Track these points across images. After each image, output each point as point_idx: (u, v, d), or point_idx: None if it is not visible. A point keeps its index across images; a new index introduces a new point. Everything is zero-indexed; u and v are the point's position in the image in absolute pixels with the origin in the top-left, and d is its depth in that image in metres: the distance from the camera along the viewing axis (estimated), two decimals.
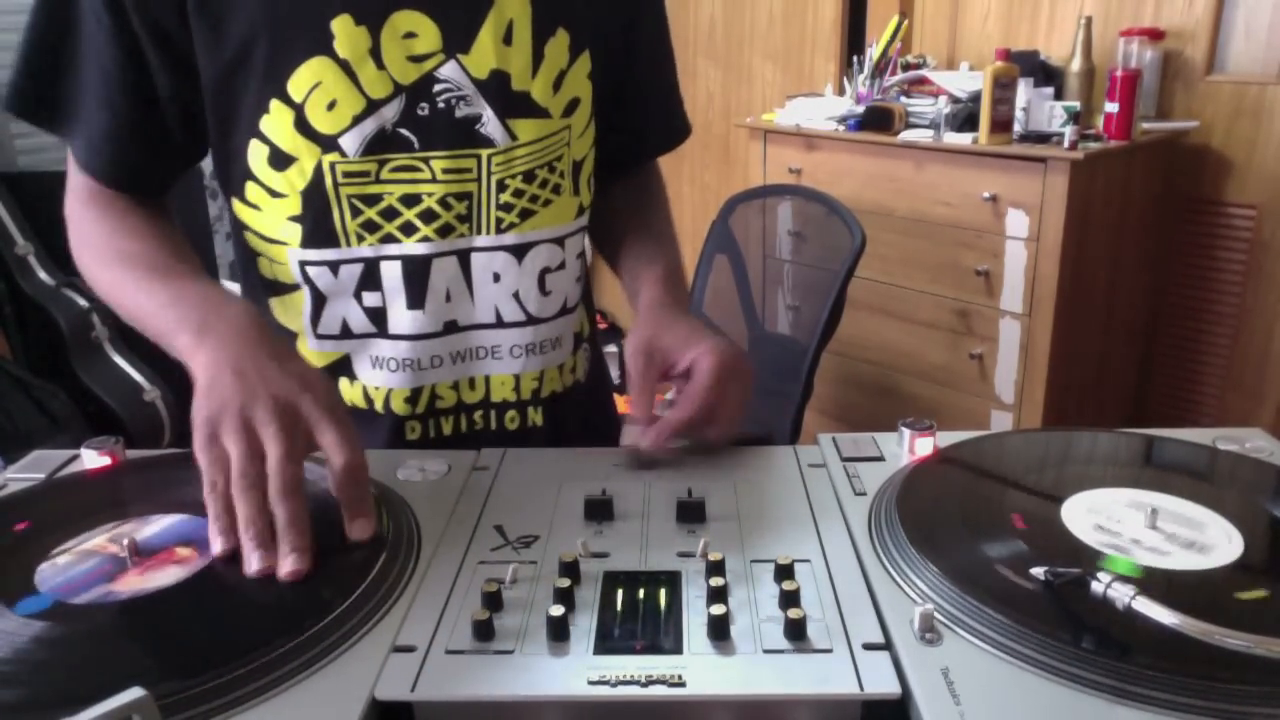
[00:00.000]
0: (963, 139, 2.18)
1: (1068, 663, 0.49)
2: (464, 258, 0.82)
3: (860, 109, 2.40)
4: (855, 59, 2.59)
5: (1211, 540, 0.60)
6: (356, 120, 0.76)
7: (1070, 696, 0.47)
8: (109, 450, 0.73)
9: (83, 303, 2.54)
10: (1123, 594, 0.50)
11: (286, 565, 0.56)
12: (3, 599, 0.55)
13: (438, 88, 0.77)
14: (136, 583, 0.57)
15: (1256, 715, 0.46)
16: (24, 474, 0.75)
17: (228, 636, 0.52)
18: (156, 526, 0.63)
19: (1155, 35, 2.22)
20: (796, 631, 0.52)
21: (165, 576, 0.57)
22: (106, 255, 0.78)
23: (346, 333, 0.83)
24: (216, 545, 0.58)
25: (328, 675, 0.50)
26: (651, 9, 0.93)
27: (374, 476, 0.69)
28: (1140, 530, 0.61)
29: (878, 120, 2.35)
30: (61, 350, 2.49)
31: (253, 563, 0.56)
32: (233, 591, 0.57)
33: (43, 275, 2.55)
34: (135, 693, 0.43)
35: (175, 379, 2.60)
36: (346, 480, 0.60)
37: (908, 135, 2.27)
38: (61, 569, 0.59)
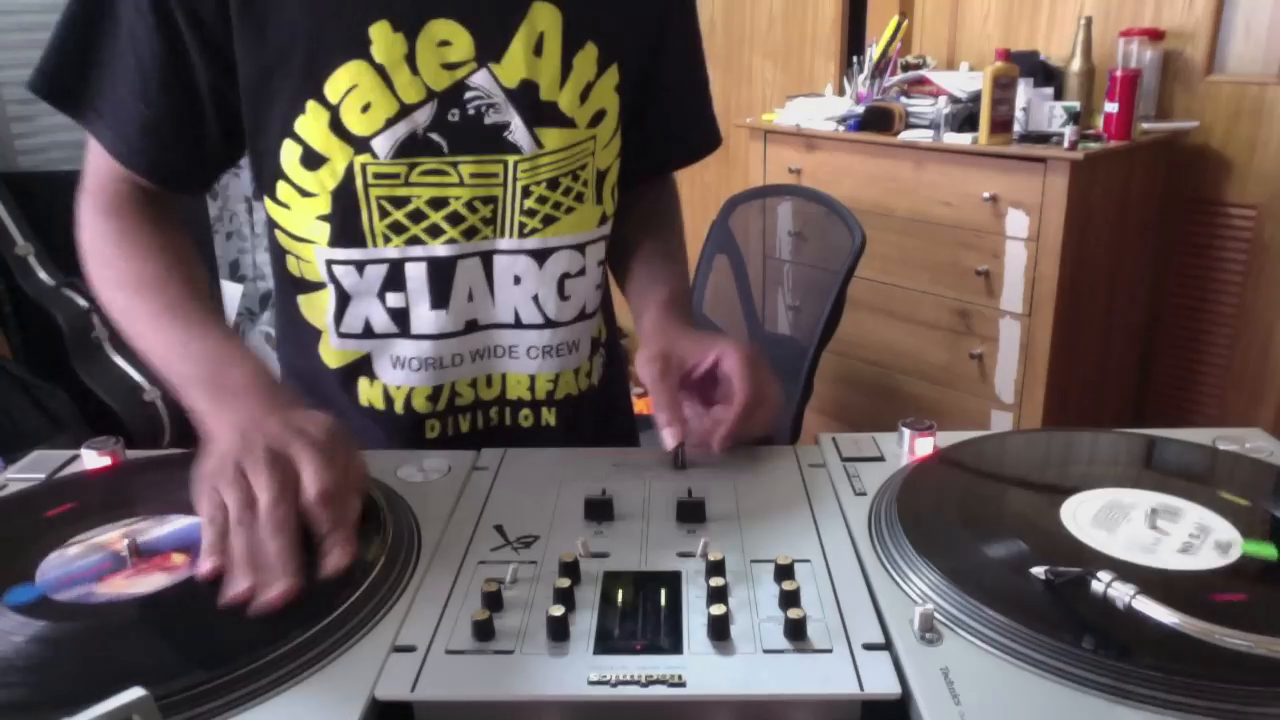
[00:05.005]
0: (962, 139, 2.18)
1: (1068, 663, 0.49)
2: (486, 259, 0.83)
3: (860, 109, 2.40)
4: (855, 59, 2.59)
5: (1211, 540, 0.59)
6: (389, 123, 0.77)
7: (1070, 696, 0.47)
8: (109, 450, 0.74)
9: (83, 303, 2.54)
10: (1123, 594, 0.50)
11: (270, 592, 0.55)
12: None
13: (469, 95, 0.78)
14: (122, 586, 0.57)
15: (1256, 715, 0.46)
16: (24, 474, 0.75)
17: (228, 636, 0.52)
18: (165, 529, 0.63)
19: (1155, 35, 2.21)
20: (796, 631, 0.52)
21: (151, 582, 0.57)
22: (120, 277, 0.78)
23: (369, 332, 0.84)
24: (205, 565, 0.57)
25: (328, 675, 0.50)
26: (681, 23, 0.92)
27: (374, 476, 0.69)
28: (1140, 530, 0.61)
29: (878, 120, 2.34)
30: (61, 350, 2.48)
31: (235, 585, 0.55)
32: None
33: (43, 275, 2.54)
34: (135, 693, 0.43)
35: None
36: (315, 510, 0.59)
37: (908, 135, 2.27)
38: (61, 564, 0.59)
